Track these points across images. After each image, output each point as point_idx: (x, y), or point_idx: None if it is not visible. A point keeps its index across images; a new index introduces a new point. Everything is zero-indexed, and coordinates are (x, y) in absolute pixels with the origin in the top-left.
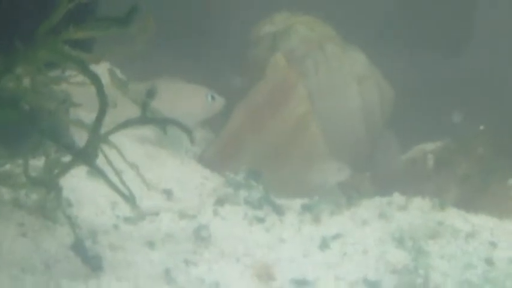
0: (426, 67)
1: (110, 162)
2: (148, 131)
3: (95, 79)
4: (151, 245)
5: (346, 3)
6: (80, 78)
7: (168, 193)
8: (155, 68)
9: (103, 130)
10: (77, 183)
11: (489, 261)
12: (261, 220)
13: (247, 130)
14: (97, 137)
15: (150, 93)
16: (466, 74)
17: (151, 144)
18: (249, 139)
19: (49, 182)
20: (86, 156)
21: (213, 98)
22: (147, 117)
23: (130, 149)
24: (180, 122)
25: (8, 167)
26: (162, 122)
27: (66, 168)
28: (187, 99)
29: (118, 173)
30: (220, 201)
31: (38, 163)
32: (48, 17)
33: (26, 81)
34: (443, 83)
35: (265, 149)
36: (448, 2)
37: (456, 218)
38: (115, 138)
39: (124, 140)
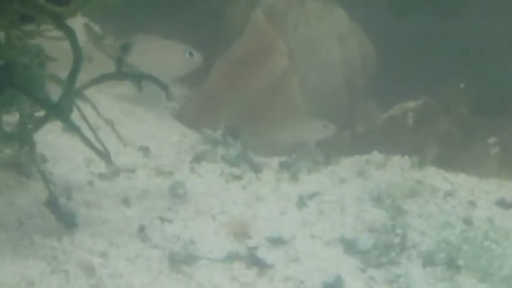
0: (409, 25)
1: (84, 118)
2: (126, 89)
3: (69, 32)
4: (126, 201)
5: None
6: (56, 33)
7: (144, 150)
8: (133, 25)
9: (78, 85)
10: (53, 139)
11: (467, 221)
12: (238, 177)
13: (226, 87)
14: (71, 91)
15: (125, 48)
16: (447, 33)
17: (129, 101)
18: (228, 96)
19: (22, 137)
20: (59, 111)
21: (191, 54)
22: (122, 72)
23: (108, 106)
24: (156, 77)
25: None
26: (138, 77)
27: (39, 123)
28: (164, 55)
29: (93, 129)
30: (197, 159)
31: (11, 118)
32: None
33: (0, 35)
34: (425, 41)
35: (244, 106)
36: None
37: (435, 177)
38: (92, 96)
39: (101, 97)
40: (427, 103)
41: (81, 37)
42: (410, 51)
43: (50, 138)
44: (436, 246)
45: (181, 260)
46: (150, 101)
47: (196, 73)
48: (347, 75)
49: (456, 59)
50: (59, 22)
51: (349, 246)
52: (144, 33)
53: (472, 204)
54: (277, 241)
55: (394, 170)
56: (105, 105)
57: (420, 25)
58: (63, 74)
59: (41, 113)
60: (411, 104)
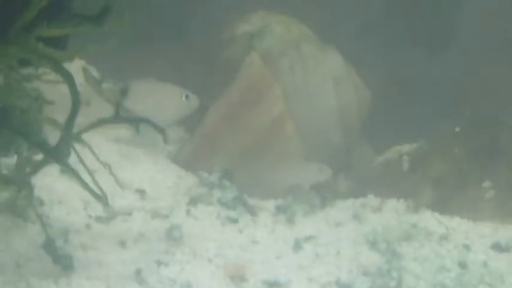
0: (403, 67)
1: (82, 161)
2: (123, 131)
3: (67, 76)
4: (123, 244)
5: (322, 2)
6: (54, 76)
7: (141, 192)
8: (128, 68)
9: (76, 129)
10: (50, 182)
11: (463, 265)
12: (234, 220)
13: (222, 130)
14: (69, 135)
15: (123, 92)
16: (441, 74)
17: (126, 144)
18: (224, 139)
19: (20, 180)
20: (57, 154)
21: (187, 97)
22: (120, 116)
23: (105, 149)
24: (153, 121)
25: None
26: (135, 121)
27: (37, 166)
28: (161, 99)
29: (90, 172)
30: (193, 201)
31: (9, 161)
32: (21, 13)
33: None
34: (419, 83)
35: (240, 148)
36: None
37: (430, 220)
38: (89, 138)
39: (98, 139)
40: (422, 146)
41: (78, 80)
42: (403, 91)
43: (47, 181)
44: None
45: None
46: (147, 144)
47: (192, 115)
48: (342, 118)
49: (450, 100)
50: (57, 66)
51: None
52: (141, 77)
53: (467, 248)
54: (273, 284)
55: (390, 214)
56: (103, 147)
57: (413, 65)
58: (59, 117)
59: (39, 156)
60: (406, 148)
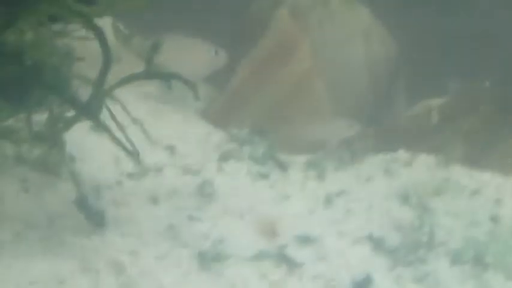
0: (431, 23)
1: (114, 117)
2: (151, 87)
3: (99, 33)
4: (155, 200)
5: None
6: (83, 32)
7: (171, 149)
8: (157, 23)
9: (107, 85)
10: (80, 138)
11: (494, 219)
12: (265, 176)
13: (251, 86)
14: (101, 91)
15: (155, 48)
16: (472, 31)
17: (155, 100)
18: (253, 94)
19: (52, 137)
20: (89, 110)
21: (216, 52)
22: (152, 72)
23: (133, 105)
24: (185, 77)
25: (10, 121)
26: (168, 77)
27: (70, 122)
28: (191, 54)
29: (122, 128)
30: (224, 157)
31: (40, 118)
32: None
33: (29, 35)
34: (449, 39)
35: (269, 104)
36: None
37: (461, 175)
38: (118, 94)
39: (127, 96)
40: (451, 101)
41: (108, 36)
42: (432, 46)
43: (77, 137)
44: (463, 244)
45: (210, 258)
46: (175, 100)
47: (220, 72)
48: (371, 72)
49: (480, 55)
50: (88, 22)
51: (377, 244)
52: (170, 32)
53: (499, 202)
54: (305, 239)
55: (421, 168)
56: (131, 104)
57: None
58: (89, 73)
59: (69, 113)
60: (435, 102)
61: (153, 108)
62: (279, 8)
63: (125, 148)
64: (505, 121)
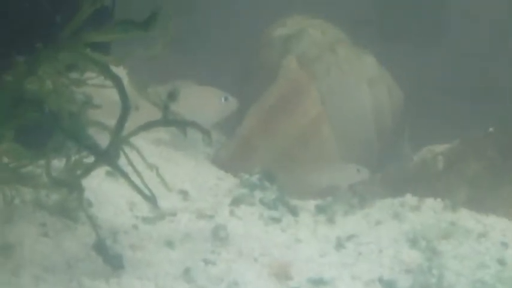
0: (435, 68)
1: (131, 163)
2: (162, 133)
3: (117, 81)
4: (170, 244)
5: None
6: (99, 80)
7: (184, 193)
8: (165, 71)
9: (124, 132)
10: (96, 183)
11: (501, 261)
12: (276, 220)
13: (260, 132)
14: (119, 138)
15: (172, 96)
16: (474, 75)
17: (166, 146)
18: (262, 141)
19: (72, 183)
20: (108, 157)
21: (226, 99)
22: (168, 120)
23: (146, 151)
24: (199, 123)
25: (30, 167)
26: (183, 124)
27: (89, 168)
28: (202, 101)
29: (139, 174)
30: (236, 202)
31: (59, 164)
32: (69, 19)
33: (48, 84)
34: (452, 83)
35: (278, 150)
36: None
37: (468, 219)
38: (132, 141)
39: (140, 142)
40: (456, 147)
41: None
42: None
43: (94, 182)
44: (472, 286)
45: None
46: (186, 146)
47: (229, 118)
48: (377, 119)
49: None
50: (107, 71)
51: (388, 287)
52: (179, 80)
53: (505, 245)
54: (318, 282)
55: (428, 213)
56: (145, 150)
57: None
58: (106, 121)
59: (88, 159)
60: (440, 147)
61: (164, 153)
62: (287, 56)
63: (143, 193)
64: (508, 166)
